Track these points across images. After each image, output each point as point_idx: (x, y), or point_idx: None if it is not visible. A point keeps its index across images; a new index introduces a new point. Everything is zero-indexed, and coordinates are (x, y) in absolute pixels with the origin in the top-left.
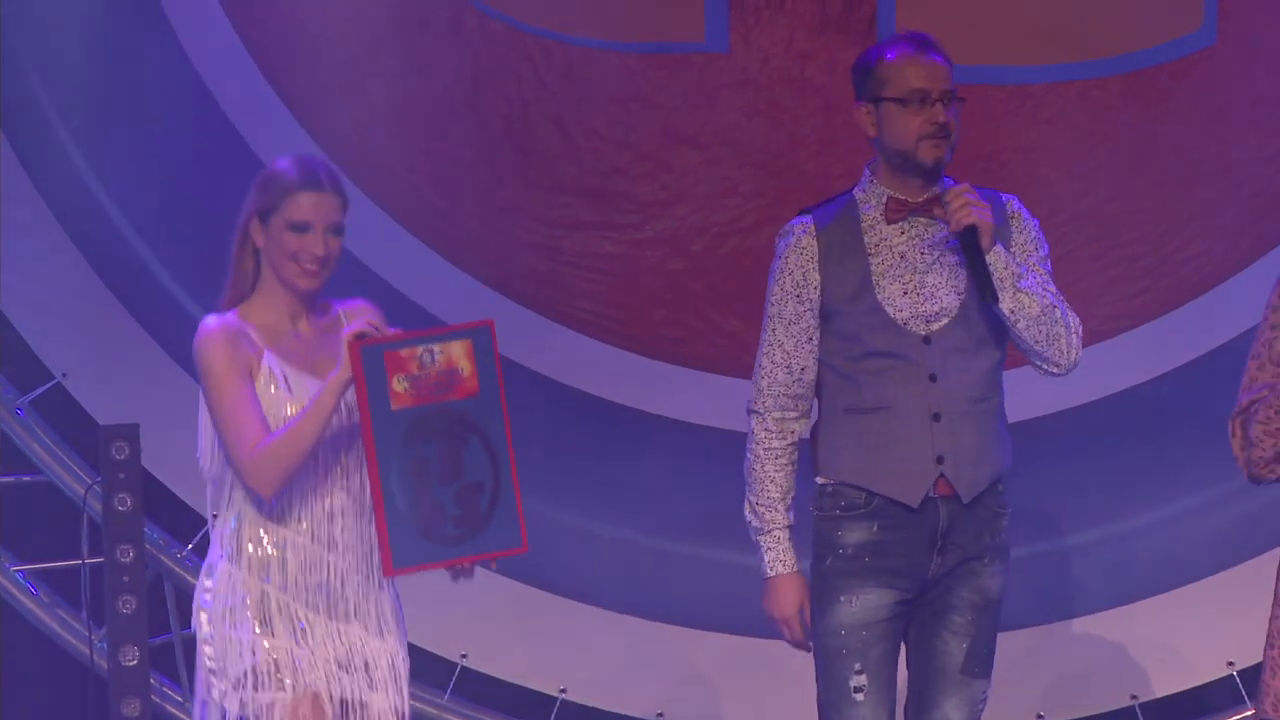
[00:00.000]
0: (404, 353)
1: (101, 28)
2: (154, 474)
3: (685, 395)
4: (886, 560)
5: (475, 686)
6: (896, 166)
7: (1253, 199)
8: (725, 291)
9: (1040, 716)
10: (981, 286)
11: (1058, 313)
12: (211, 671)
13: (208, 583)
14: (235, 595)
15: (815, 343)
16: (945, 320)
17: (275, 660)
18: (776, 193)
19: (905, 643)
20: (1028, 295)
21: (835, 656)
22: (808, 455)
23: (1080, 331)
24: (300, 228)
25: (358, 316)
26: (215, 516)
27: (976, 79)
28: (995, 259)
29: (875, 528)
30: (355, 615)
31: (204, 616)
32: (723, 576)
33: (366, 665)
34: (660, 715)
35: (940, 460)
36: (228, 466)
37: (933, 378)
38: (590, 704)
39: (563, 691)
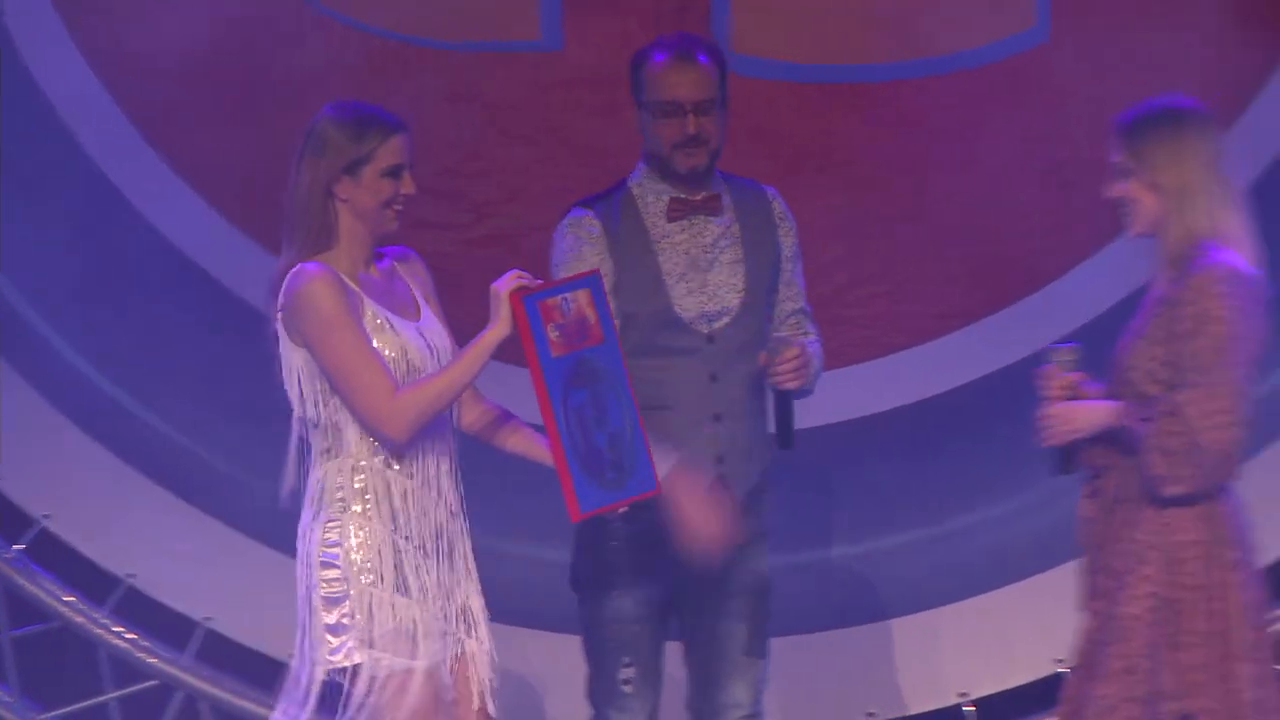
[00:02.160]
0: (550, 302)
1: None
2: None
3: (515, 393)
4: (654, 553)
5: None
6: (659, 169)
7: (1085, 198)
8: None
9: (870, 715)
10: (782, 435)
11: (821, 356)
12: (331, 629)
13: (331, 535)
14: (371, 547)
15: None
16: (726, 320)
17: (414, 624)
18: None
19: (682, 632)
20: (818, 374)
21: (605, 650)
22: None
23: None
24: (396, 172)
25: (409, 263)
26: (319, 465)
27: (811, 78)
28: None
29: (652, 521)
30: (457, 560)
31: (334, 573)
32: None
33: (467, 611)
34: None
35: (720, 460)
36: (338, 413)
37: (714, 377)
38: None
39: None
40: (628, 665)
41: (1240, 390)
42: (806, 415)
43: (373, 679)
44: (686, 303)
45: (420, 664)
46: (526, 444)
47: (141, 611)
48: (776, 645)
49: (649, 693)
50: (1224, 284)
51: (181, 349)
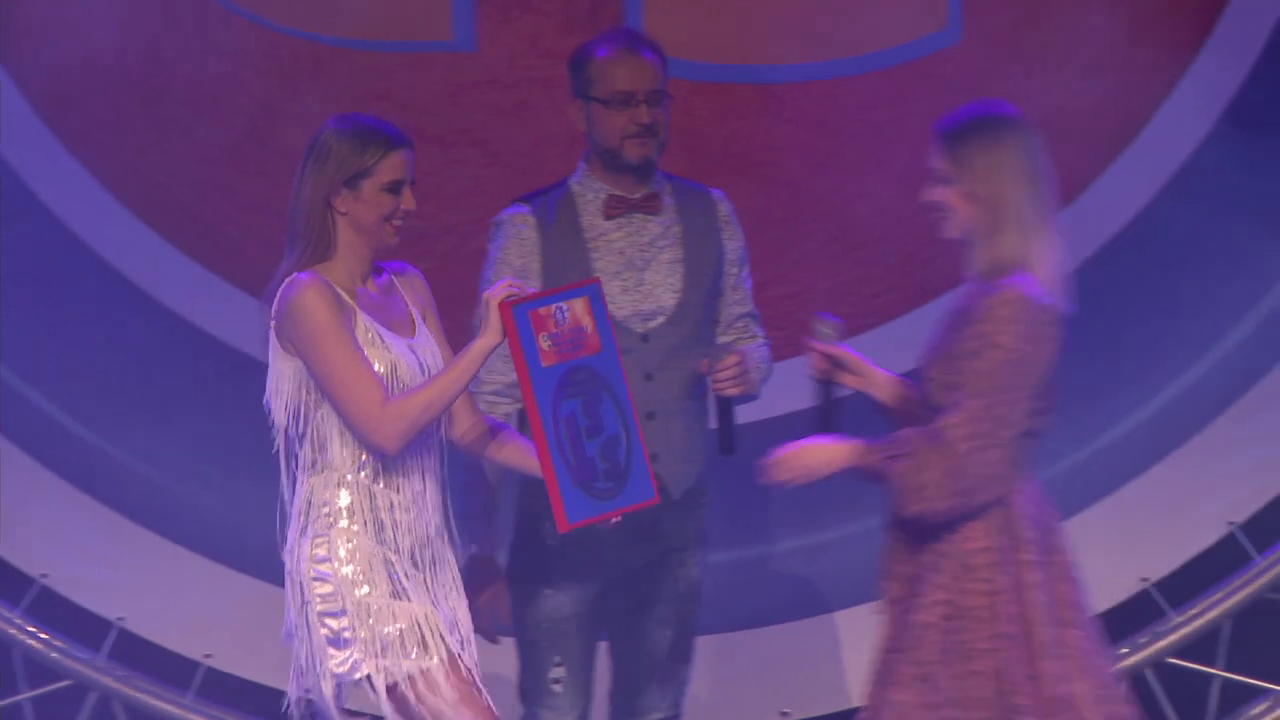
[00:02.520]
0: (542, 311)
1: None
2: None
3: None
4: (588, 552)
5: (219, 686)
6: (606, 164)
7: None
8: (472, 290)
9: (784, 714)
10: (724, 441)
11: (770, 360)
12: (333, 641)
13: (320, 551)
14: (361, 560)
15: None
16: (662, 319)
17: (422, 624)
18: (524, 191)
19: (607, 632)
20: (765, 379)
21: (535, 649)
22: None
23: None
24: (396, 187)
25: (408, 279)
26: (305, 478)
27: (724, 78)
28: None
29: None
30: (443, 573)
31: (327, 588)
32: None
33: (455, 625)
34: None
35: (654, 458)
36: (323, 424)
37: (648, 376)
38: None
39: (307, 691)
40: (558, 664)
41: (1005, 416)
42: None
43: (393, 688)
44: (621, 301)
45: (433, 661)
46: (518, 455)
47: (55, 612)
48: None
49: (580, 692)
50: (1014, 308)
51: (92, 346)
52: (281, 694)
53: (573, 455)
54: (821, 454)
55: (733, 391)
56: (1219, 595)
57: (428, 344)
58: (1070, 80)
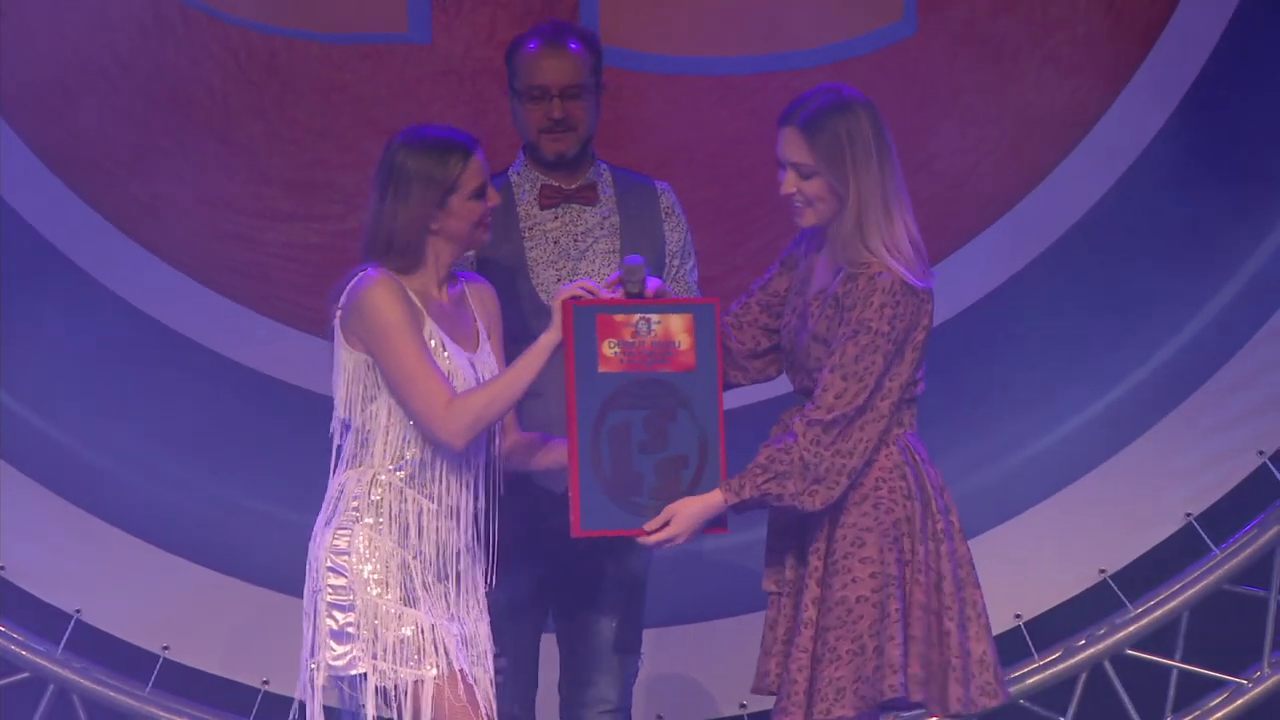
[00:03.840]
0: (619, 318)
1: None
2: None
3: None
4: (534, 544)
5: (177, 678)
6: (531, 155)
7: (954, 189)
8: None
9: (743, 705)
10: None
11: None
12: (335, 635)
13: (340, 543)
14: (379, 559)
15: None
16: None
17: (426, 634)
18: None
19: (555, 625)
20: None
21: None
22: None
23: None
24: (481, 192)
25: (480, 292)
26: (343, 470)
27: (681, 69)
28: None
29: (520, 514)
30: (467, 589)
31: (341, 581)
32: None
33: (476, 640)
34: (266, 682)
35: None
36: (372, 422)
37: None
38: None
39: (265, 683)
40: (498, 656)
41: (874, 394)
42: None
43: (386, 692)
44: (554, 290)
45: (431, 672)
46: (559, 456)
47: (12, 604)
48: (651, 635)
49: (524, 681)
50: (890, 295)
51: (49, 339)
52: (238, 685)
53: (609, 464)
54: (697, 509)
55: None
56: (1177, 587)
57: (488, 359)
58: (1026, 73)
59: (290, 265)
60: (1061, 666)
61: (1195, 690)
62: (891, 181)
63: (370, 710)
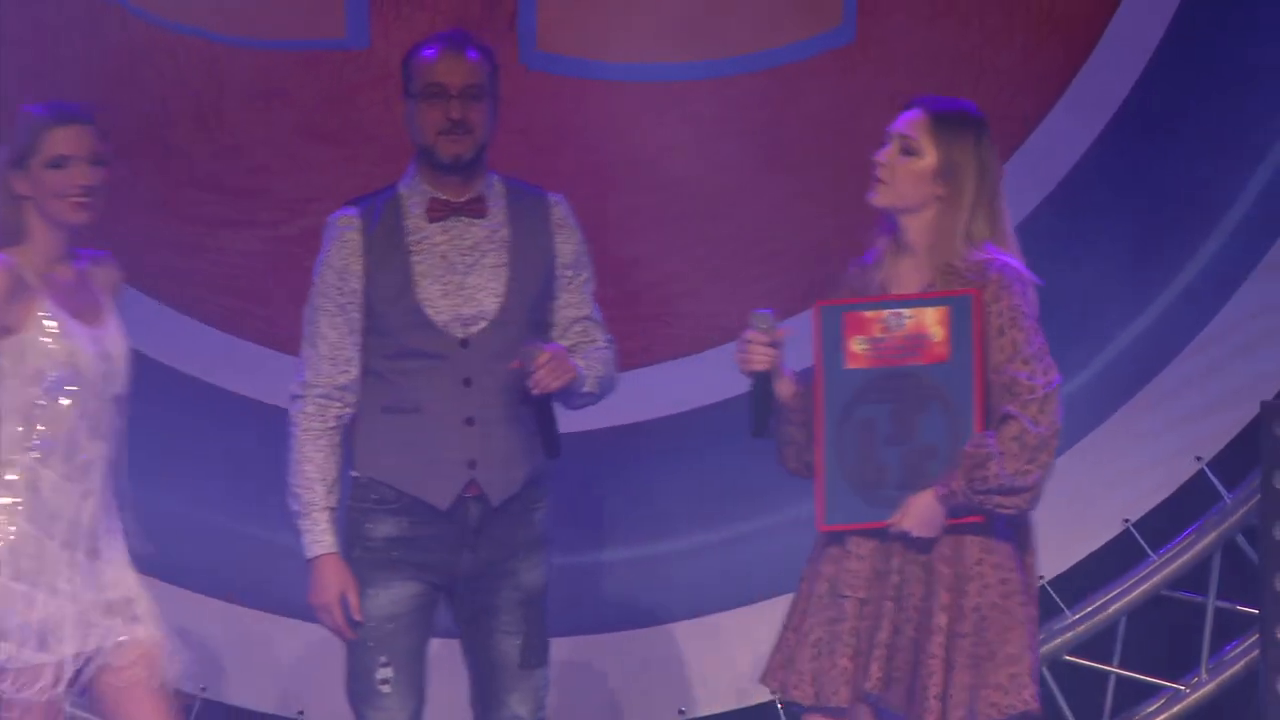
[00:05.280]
0: (868, 315)
1: None
2: None
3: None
4: (415, 554)
5: None
6: (426, 163)
7: None
8: None
9: (681, 712)
10: (546, 443)
11: (613, 363)
12: None
13: None
14: (8, 543)
15: (359, 335)
16: (484, 324)
17: (46, 619)
18: None
19: (462, 643)
20: (596, 378)
21: (362, 648)
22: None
23: (615, 351)
24: (59, 163)
25: (104, 268)
26: None
27: (619, 76)
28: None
29: (406, 523)
30: (109, 554)
31: None
32: None
33: (129, 601)
34: (301, 714)
35: (472, 465)
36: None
37: (467, 382)
38: (232, 703)
39: (203, 690)
40: (385, 664)
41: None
42: (617, 414)
43: (12, 674)
44: (440, 305)
45: (49, 659)
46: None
47: None
48: (589, 643)
49: (409, 693)
50: (1023, 282)
51: None
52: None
53: (854, 458)
54: (930, 497)
55: (551, 386)
56: (1115, 593)
57: (114, 334)
58: (963, 81)
59: (229, 271)
60: None
61: (1133, 696)
62: (1001, 181)
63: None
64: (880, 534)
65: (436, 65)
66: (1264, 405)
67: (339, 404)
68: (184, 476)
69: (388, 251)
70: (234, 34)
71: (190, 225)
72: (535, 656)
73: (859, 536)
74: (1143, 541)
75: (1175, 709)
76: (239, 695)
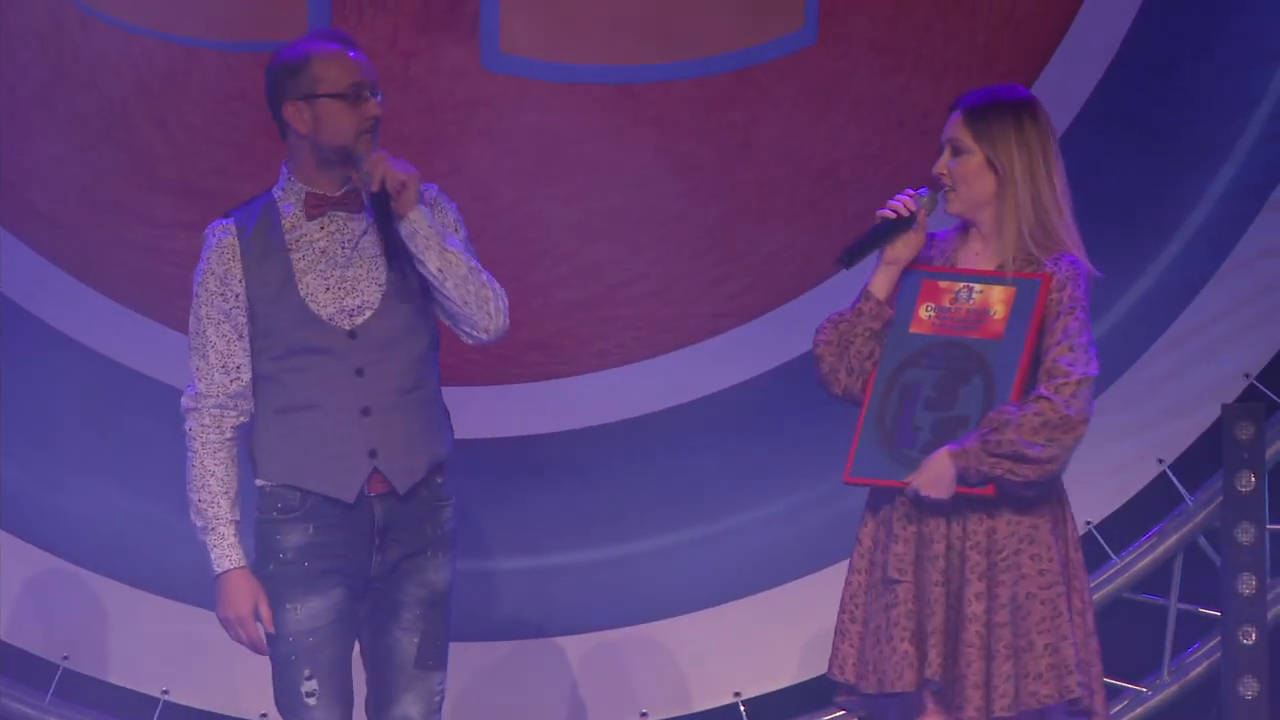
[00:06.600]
0: (943, 284)
1: None
2: None
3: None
4: (327, 561)
5: (77, 688)
6: (329, 161)
7: (857, 197)
8: None
9: (644, 714)
10: (390, 249)
11: (484, 276)
12: None
13: None
14: None
15: (246, 341)
16: (369, 313)
17: None
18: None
19: (361, 644)
20: (454, 254)
21: (285, 663)
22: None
23: (505, 300)
24: None
25: None
26: None
27: (582, 78)
28: (419, 219)
29: (311, 529)
30: None
31: None
32: None
33: None
34: (264, 716)
35: (373, 454)
36: None
37: (359, 372)
38: (195, 705)
39: (165, 693)
40: (309, 677)
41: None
42: (583, 415)
43: None
44: (324, 299)
45: None
46: None
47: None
48: (550, 645)
49: (336, 703)
50: (1085, 278)
51: None
52: (138, 694)
53: (892, 418)
54: (945, 459)
55: (383, 168)
56: None
57: None
58: (926, 82)
59: (190, 273)
60: None
61: None
62: (1062, 176)
63: None
64: (915, 515)
65: (351, 66)
66: (1225, 408)
67: (234, 412)
68: (153, 479)
69: (266, 252)
70: (195, 36)
71: (150, 228)
72: (433, 658)
73: (902, 520)
74: (1105, 544)
75: (1138, 711)
76: (201, 698)
